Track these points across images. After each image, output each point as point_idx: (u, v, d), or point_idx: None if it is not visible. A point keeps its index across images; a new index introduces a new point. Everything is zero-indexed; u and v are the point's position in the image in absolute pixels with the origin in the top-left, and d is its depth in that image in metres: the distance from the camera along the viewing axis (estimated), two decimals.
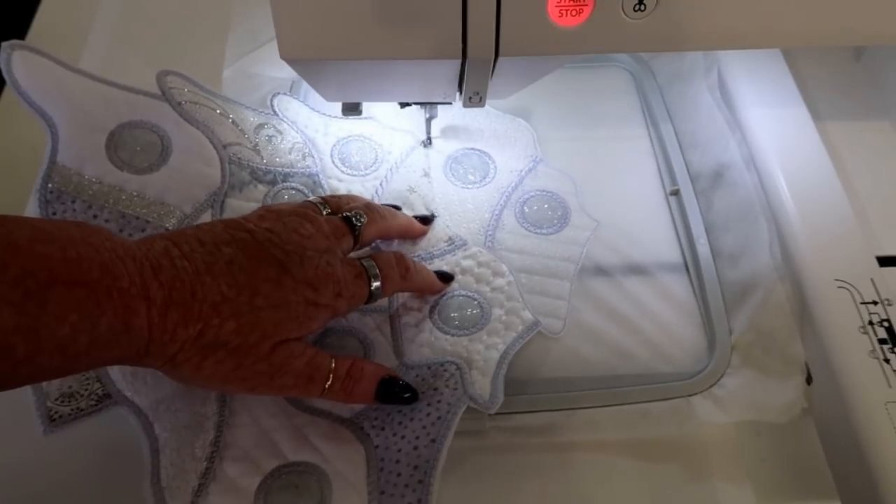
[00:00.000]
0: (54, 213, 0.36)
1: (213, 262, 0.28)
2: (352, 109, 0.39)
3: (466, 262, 0.38)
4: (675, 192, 0.43)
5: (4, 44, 0.35)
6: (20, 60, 0.36)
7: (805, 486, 0.33)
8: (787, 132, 0.40)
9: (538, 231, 0.41)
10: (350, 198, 0.37)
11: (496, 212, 0.42)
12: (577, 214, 0.42)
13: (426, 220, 0.40)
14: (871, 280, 0.34)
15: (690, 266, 0.40)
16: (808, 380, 0.35)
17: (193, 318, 0.26)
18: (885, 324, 0.33)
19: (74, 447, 0.33)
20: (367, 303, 0.33)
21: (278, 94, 0.44)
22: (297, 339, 0.30)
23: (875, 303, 0.33)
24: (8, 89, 0.34)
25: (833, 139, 0.43)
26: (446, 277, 0.38)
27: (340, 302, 0.31)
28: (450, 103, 0.38)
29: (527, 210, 0.42)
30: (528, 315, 0.36)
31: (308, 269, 0.30)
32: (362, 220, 0.34)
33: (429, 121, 0.42)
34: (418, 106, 0.40)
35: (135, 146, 0.38)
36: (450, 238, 0.40)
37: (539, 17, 0.27)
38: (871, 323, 0.33)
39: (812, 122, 0.41)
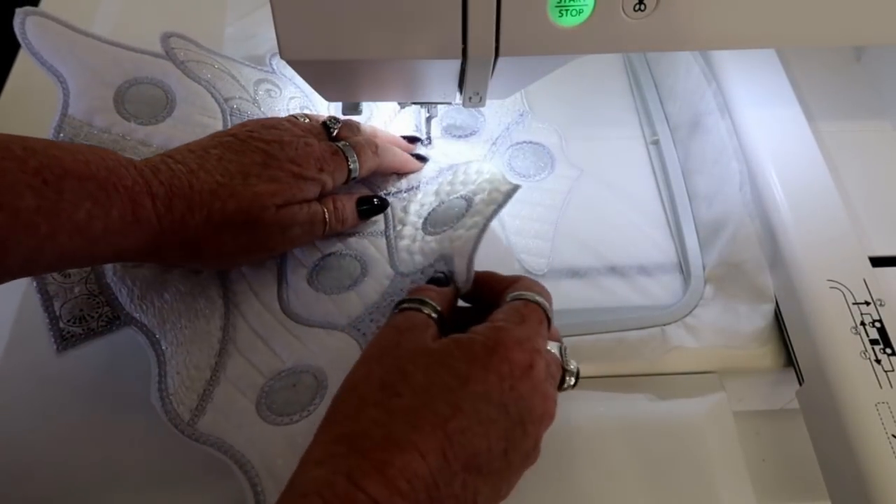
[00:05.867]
0: None
1: (204, 161, 0.32)
2: (352, 109, 0.40)
3: (455, 180, 0.40)
4: (656, 142, 0.46)
5: (19, 10, 0.38)
6: (33, 25, 0.38)
7: (805, 486, 0.34)
8: (780, 132, 0.40)
9: (525, 179, 0.44)
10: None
11: (485, 161, 0.44)
12: (562, 164, 0.44)
13: (412, 140, 0.43)
14: (864, 280, 0.34)
15: (668, 208, 0.43)
16: (800, 380, 0.35)
17: (196, 205, 0.30)
18: (877, 324, 0.33)
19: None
20: (347, 180, 0.37)
21: (276, 52, 0.45)
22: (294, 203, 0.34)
23: (867, 303, 0.34)
24: (8, 89, 0.34)
25: (831, 139, 0.43)
26: (422, 158, 0.41)
27: (324, 176, 0.35)
28: (450, 103, 0.38)
29: (514, 160, 0.44)
30: (508, 186, 0.36)
31: (289, 151, 0.34)
32: (337, 123, 0.38)
33: (428, 120, 0.42)
34: (418, 106, 0.40)
35: (141, 99, 0.40)
36: (439, 169, 0.42)
37: (539, 17, 0.27)
38: (862, 323, 0.33)
39: (805, 122, 0.41)
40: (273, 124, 0.35)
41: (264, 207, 0.32)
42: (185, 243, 0.31)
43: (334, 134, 0.37)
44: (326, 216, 0.35)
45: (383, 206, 0.39)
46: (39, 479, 0.34)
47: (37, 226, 0.26)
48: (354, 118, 0.43)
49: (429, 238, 0.37)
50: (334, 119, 0.38)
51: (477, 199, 0.36)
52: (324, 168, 0.35)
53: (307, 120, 0.38)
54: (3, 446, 0.35)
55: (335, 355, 0.34)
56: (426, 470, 0.23)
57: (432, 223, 0.38)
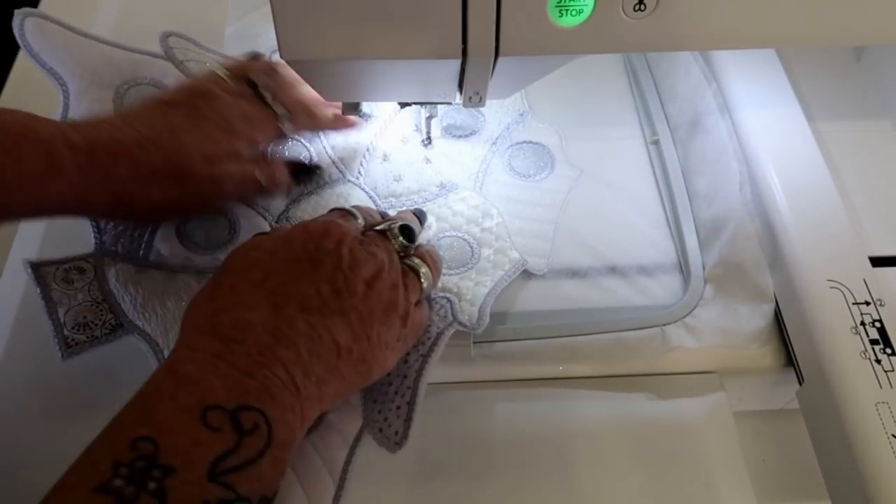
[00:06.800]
0: None
1: (128, 117, 0.33)
2: (352, 109, 0.40)
3: (457, 206, 0.41)
4: (656, 142, 0.46)
5: (17, 11, 0.38)
6: (32, 26, 0.39)
7: (805, 486, 0.34)
8: (780, 132, 0.40)
9: (525, 179, 0.44)
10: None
11: (485, 161, 0.44)
12: (562, 164, 0.44)
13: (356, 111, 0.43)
14: (864, 280, 0.34)
15: (668, 208, 0.43)
16: (800, 380, 0.35)
17: (121, 156, 0.31)
18: (877, 324, 0.33)
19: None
20: (280, 137, 0.38)
21: (276, 50, 0.45)
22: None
23: (867, 303, 0.34)
24: (8, 89, 0.35)
25: (831, 139, 0.43)
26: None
27: (255, 132, 0.36)
28: (450, 103, 0.38)
29: (515, 160, 0.45)
30: (515, 254, 0.39)
31: (217, 105, 0.35)
32: (260, 77, 0.38)
33: (428, 120, 0.42)
34: (418, 106, 0.40)
35: (140, 101, 0.39)
36: (441, 183, 0.42)
37: (539, 17, 0.27)
38: (862, 323, 0.33)
39: (806, 122, 0.41)
40: (201, 89, 0.36)
41: (192, 159, 0.33)
42: (114, 195, 0.32)
43: (262, 92, 0.38)
44: (258, 173, 0.37)
45: (315, 168, 0.41)
46: (40, 482, 0.34)
47: None
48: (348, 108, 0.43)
49: None
50: (257, 74, 0.38)
51: (484, 252, 0.39)
52: (253, 124, 0.36)
53: (230, 76, 0.38)
54: (3, 447, 0.35)
55: None
56: (259, 317, 0.26)
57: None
